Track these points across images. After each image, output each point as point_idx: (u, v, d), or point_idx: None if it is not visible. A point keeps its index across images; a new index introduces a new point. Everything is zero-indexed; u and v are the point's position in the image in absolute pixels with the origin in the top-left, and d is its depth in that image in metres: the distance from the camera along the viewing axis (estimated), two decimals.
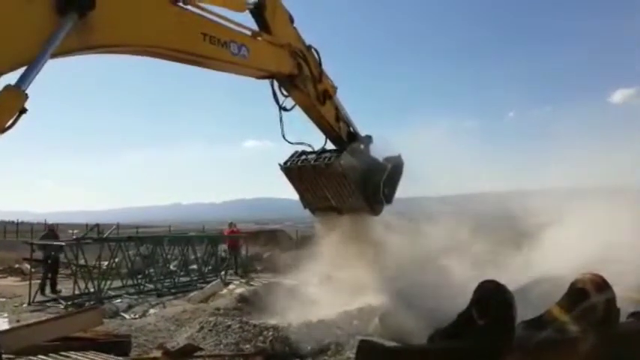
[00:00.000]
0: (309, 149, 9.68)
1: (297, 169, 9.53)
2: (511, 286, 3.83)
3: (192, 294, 13.68)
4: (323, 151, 9.54)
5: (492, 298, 3.68)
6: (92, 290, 13.54)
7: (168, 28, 5.75)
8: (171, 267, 17.33)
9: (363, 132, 10.05)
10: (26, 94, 4.20)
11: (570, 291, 4.07)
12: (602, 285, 3.91)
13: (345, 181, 9.26)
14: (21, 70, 4.27)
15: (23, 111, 4.18)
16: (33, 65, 4.27)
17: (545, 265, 9.98)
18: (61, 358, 5.34)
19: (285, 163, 9.65)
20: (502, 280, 3.78)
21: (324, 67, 8.87)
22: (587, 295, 3.93)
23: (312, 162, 9.34)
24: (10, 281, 17.70)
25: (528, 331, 3.97)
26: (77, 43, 4.73)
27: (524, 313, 4.03)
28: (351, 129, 9.82)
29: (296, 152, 9.68)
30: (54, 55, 4.47)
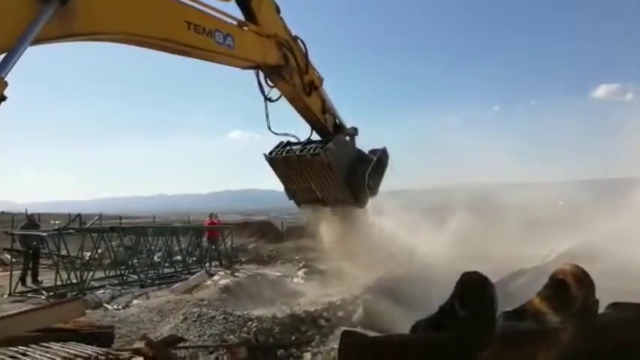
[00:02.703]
0: (294, 140, 9.67)
1: (282, 160, 9.52)
2: (493, 278, 3.88)
3: (176, 285, 13.61)
4: (309, 142, 9.53)
5: (474, 289, 3.72)
6: (74, 281, 13.40)
7: (151, 16, 5.69)
8: (155, 258, 17.21)
9: (348, 125, 10.07)
10: (6, 82, 4.13)
11: (551, 282, 4.12)
12: (581, 276, 3.96)
13: (330, 171, 9.26)
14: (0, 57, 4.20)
15: (3, 98, 4.12)
16: (13, 52, 4.21)
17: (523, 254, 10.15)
18: (42, 349, 5.28)
19: (270, 153, 9.63)
20: (484, 272, 3.81)
21: (311, 58, 8.87)
22: (567, 287, 3.98)
23: (298, 152, 9.34)
24: None
25: (509, 322, 4.02)
26: (58, 31, 4.66)
27: (505, 304, 4.09)
28: (337, 121, 9.82)
29: (281, 143, 9.66)
30: (35, 42, 4.40)
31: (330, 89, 9.58)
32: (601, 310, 4.22)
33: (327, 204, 9.93)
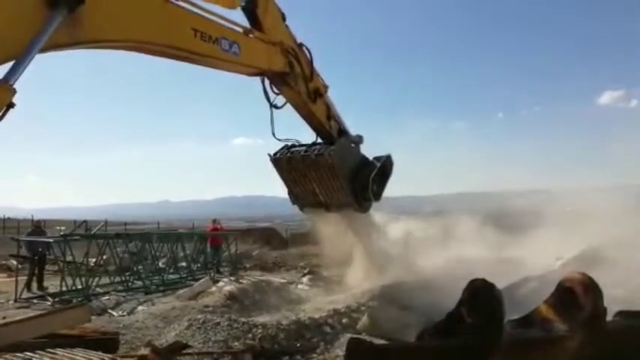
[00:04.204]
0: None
1: (286, 160, 9.57)
2: (499, 285, 3.86)
3: (180, 291, 13.59)
4: (313, 144, 9.58)
5: (481, 296, 3.70)
6: (80, 287, 13.42)
7: (158, 24, 5.73)
8: (160, 264, 17.20)
9: (353, 132, 10.10)
10: (14, 89, 4.16)
11: (558, 290, 4.10)
12: (589, 284, 3.94)
13: (334, 173, 9.27)
14: (8, 65, 4.23)
15: (11, 105, 4.14)
16: (21, 59, 4.24)
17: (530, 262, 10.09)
18: (48, 355, 5.29)
19: (275, 154, 9.69)
20: (491, 278, 3.80)
21: (316, 65, 8.90)
22: (575, 295, 3.96)
23: (302, 153, 9.39)
24: None
25: (517, 330, 4.00)
26: (66, 38, 4.70)
27: (512, 311, 4.07)
28: (342, 127, 9.84)
29: (286, 145, 9.72)
30: (43, 50, 4.43)
31: (335, 95, 9.63)
32: (609, 318, 4.19)
33: (331, 209, 9.91)
